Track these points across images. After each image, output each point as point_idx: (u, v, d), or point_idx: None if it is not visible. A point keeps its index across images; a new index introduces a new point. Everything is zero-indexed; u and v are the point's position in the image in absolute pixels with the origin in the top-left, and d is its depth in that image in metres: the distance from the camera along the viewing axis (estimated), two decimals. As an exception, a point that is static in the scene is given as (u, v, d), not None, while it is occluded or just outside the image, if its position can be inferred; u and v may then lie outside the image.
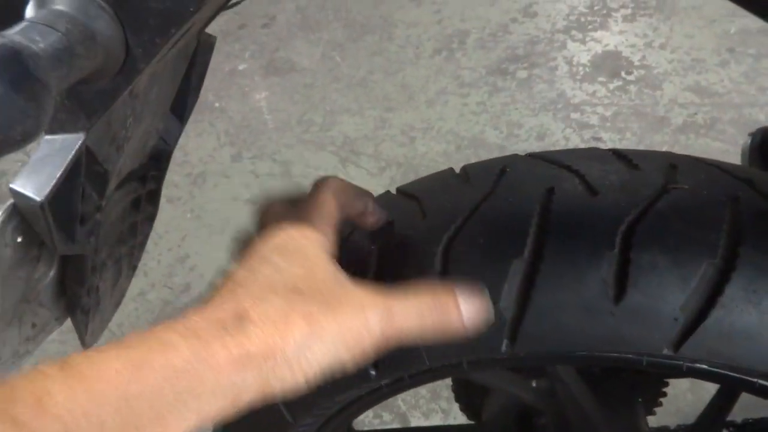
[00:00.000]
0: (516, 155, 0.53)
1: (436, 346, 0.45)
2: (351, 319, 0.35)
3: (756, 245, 0.41)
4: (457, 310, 0.37)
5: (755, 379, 0.41)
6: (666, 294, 0.40)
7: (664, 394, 0.77)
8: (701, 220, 0.42)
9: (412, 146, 1.78)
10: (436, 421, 1.23)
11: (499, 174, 0.49)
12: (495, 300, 0.42)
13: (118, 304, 0.67)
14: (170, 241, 1.72)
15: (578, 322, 0.41)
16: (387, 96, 1.94)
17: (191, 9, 0.32)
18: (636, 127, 1.68)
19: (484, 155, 1.72)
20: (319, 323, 0.35)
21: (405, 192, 0.54)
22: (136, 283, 1.63)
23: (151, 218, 0.66)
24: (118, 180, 0.51)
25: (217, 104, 2.06)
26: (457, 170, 0.55)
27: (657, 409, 0.77)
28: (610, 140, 1.66)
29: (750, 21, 1.86)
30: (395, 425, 1.25)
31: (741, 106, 1.65)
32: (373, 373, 0.48)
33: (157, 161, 0.61)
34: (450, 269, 0.44)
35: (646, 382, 0.75)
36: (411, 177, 1.73)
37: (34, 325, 0.51)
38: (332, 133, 1.87)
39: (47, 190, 0.37)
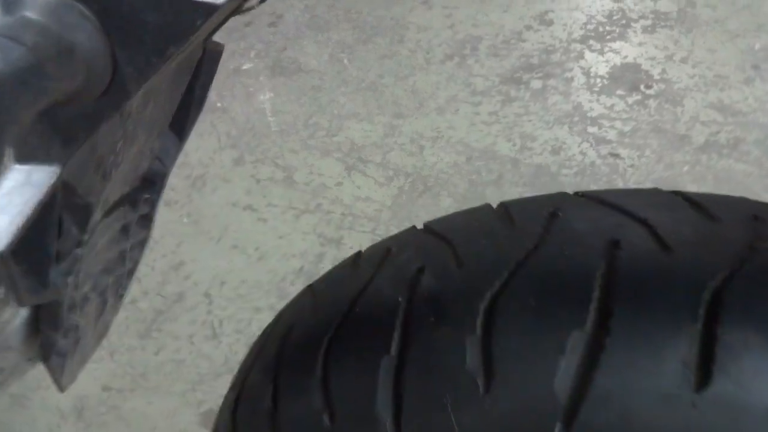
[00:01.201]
0: (565, 194, 0.46)
1: (473, 425, 0.38)
2: None
3: None
4: None
5: None
6: (763, 383, 0.33)
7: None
8: (801, 290, 0.35)
9: (421, 156, 1.71)
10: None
11: (548, 218, 0.42)
12: (550, 378, 0.35)
13: (102, 337, 0.60)
14: (165, 247, 1.65)
15: (650, 413, 0.34)
16: (396, 101, 1.88)
17: (198, 23, 0.25)
18: (656, 144, 1.61)
19: (496, 168, 1.65)
20: None
21: (435, 231, 0.47)
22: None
23: (143, 244, 0.58)
24: (104, 209, 0.44)
25: (219, 104, 1.99)
26: (490, 201, 0.49)
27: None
28: (628, 157, 1.59)
29: (775, 38, 1.80)
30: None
31: (767, 126, 1.58)
32: (395, 448, 0.41)
33: (151, 183, 0.54)
34: (494, 334, 0.37)
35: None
36: (420, 188, 1.67)
37: (1, 370, 0.43)
38: (339, 138, 1.80)
39: (10, 237, 0.30)
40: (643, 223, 0.40)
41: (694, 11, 1.93)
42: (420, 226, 0.51)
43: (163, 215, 1.75)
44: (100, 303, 0.54)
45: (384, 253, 0.48)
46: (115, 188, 0.45)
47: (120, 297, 0.60)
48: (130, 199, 0.50)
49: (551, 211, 0.43)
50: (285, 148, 1.82)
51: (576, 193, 0.46)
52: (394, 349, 0.40)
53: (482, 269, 0.40)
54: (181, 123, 0.51)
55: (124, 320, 1.50)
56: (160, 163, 0.52)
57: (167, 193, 1.87)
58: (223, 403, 0.56)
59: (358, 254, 0.52)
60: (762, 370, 0.33)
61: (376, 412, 0.40)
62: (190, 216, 1.72)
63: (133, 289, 1.57)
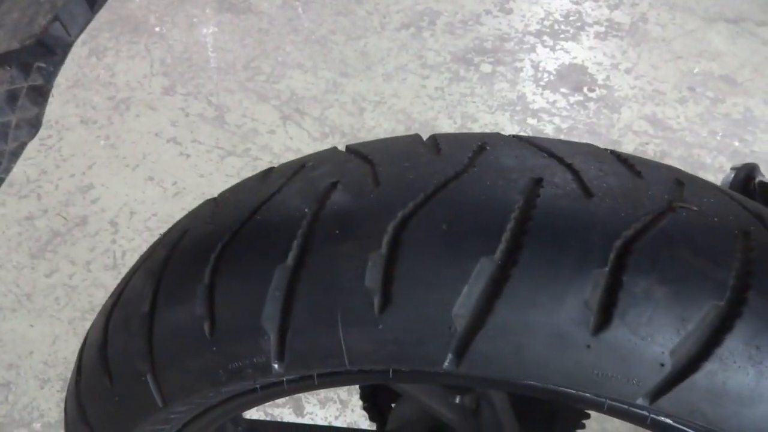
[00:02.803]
0: (498, 134, 0.44)
1: (362, 346, 0.36)
2: None
3: (765, 292, 0.34)
4: None
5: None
6: (657, 333, 0.32)
7: (583, 426, 0.72)
8: (710, 251, 0.34)
9: (360, 117, 1.67)
10: (332, 411, 1.14)
11: (476, 151, 0.40)
12: (449, 304, 0.33)
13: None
14: (75, 167, 1.54)
15: (544, 350, 0.33)
16: (344, 60, 1.83)
17: None
18: (588, 145, 1.65)
19: (433, 143, 1.64)
20: None
21: (356, 151, 0.44)
22: (25, 205, 1.45)
23: (34, 125, 0.52)
24: (-17, 57, 0.38)
25: (158, 29, 1.87)
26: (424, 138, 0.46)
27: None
28: (561, 153, 1.62)
29: (714, 65, 1.87)
30: (287, 408, 1.15)
31: (691, 145, 1.65)
32: (275, 366, 0.38)
33: (49, 51, 0.48)
34: (399, 254, 0.35)
35: (566, 412, 0.69)
36: (353, 150, 1.63)
37: None
38: (279, 86, 1.74)
39: None
40: (569, 167, 0.38)
41: (645, 27, 1.98)
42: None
43: (78, 133, 1.63)
44: (-29, 179, 0.48)
45: (298, 167, 0.45)
46: (0, 35, 0.39)
47: (-1, 180, 0.53)
48: (20, 60, 0.44)
49: (480, 145, 0.41)
50: (221, 86, 1.73)
51: (511, 135, 0.44)
52: (291, 258, 0.37)
53: (399, 189, 0.38)
54: (93, -12, 0.46)
55: (16, 236, 1.39)
56: (63, 28, 0.46)
57: (85, 111, 1.75)
58: (99, 312, 0.51)
59: (271, 169, 0.48)
60: (659, 320, 0.32)
61: (261, 323, 0.37)
62: (108, 139, 1.61)
63: (32, 205, 1.45)
